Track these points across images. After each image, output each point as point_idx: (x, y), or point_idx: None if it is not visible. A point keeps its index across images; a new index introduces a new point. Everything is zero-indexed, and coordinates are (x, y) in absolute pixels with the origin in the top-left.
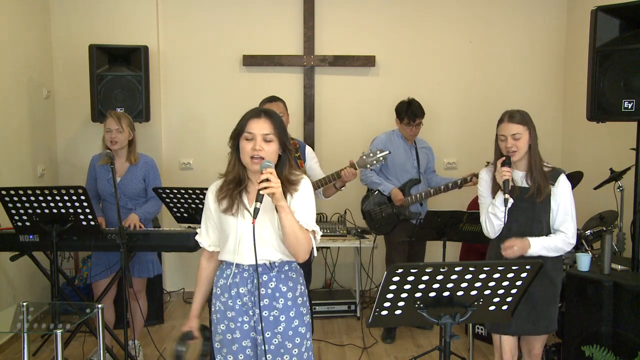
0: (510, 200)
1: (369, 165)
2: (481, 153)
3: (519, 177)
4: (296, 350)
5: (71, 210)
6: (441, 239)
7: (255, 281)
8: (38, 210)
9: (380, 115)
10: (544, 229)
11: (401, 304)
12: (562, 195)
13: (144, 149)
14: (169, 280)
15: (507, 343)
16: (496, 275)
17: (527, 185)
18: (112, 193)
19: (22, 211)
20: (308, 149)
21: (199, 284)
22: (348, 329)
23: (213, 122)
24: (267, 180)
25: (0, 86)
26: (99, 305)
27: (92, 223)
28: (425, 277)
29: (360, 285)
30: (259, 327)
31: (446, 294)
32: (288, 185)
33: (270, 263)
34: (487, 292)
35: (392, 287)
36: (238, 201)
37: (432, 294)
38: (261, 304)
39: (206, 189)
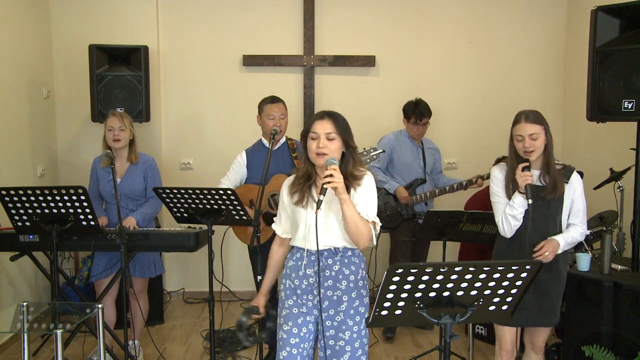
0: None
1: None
2: (481, 153)
3: (535, 175)
4: (356, 327)
5: (71, 210)
6: (441, 239)
7: (321, 264)
8: (38, 210)
9: (381, 115)
10: (558, 226)
11: (401, 304)
12: (575, 192)
13: (144, 149)
14: (169, 280)
15: (509, 334)
16: (496, 275)
17: (541, 184)
18: (113, 194)
19: (22, 211)
20: None
21: (270, 265)
22: None
23: (213, 122)
24: (331, 175)
25: (0, 86)
26: (99, 305)
27: (92, 223)
28: (425, 277)
29: None
30: (324, 305)
31: (446, 294)
32: (352, 180)
33: (334, 249)
34: (487, 292)
35: (392, 287)
36: (307, 194)
37: (432, 294)
38: (326, 285)
39: (206, 189)
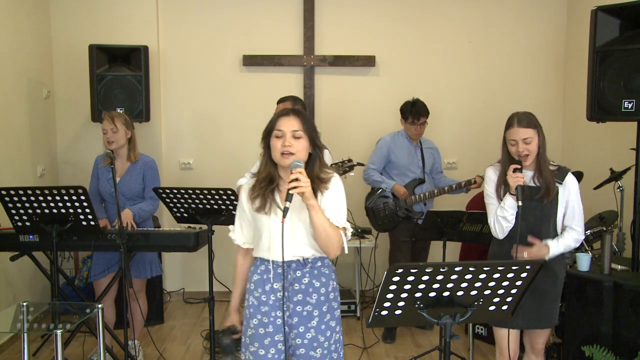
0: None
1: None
2: (481, 153)
3: (528, 177)
4: (327, 343)
5: (71, 210)
6: (441, 239)
7: (289, 277)
8: (38, 210)
9: (380, 115)
10: (551, 228)
11: (401, 304)
12: (570, 193)
13: (144, 149)
14: (169, 280)
15: (510, 338)
16: (496, 275)
17: (535, 185)
18: (111, 193)
19: (22, 211)
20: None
21: (236, 280)
22: (348, 328)
23: (213, 122)
24: (297, 180)
25: (0, 86)
26: (99, 305)
27: (92, 223)
28: (425, 277)
29: (360, 285)
30: (293, 321)
31: (446, 294)
32: (319, 183)
33: (303, 259)
34: (487, 292)
35: (392, 287)
36: (270, 200)
37: (432, 294)
38: (295, 299)
39: (206, 189)
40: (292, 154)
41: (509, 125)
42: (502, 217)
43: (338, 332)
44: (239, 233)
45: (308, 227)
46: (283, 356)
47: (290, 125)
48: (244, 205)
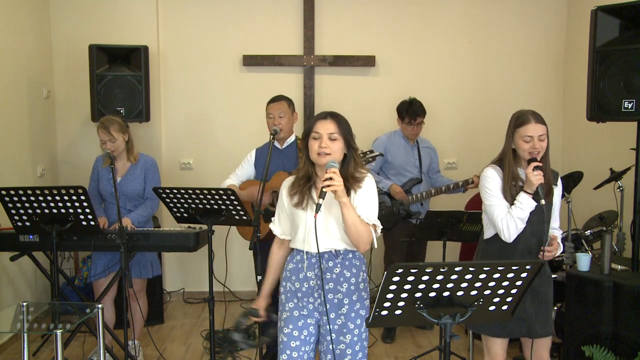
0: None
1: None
2: (481, 153)
3: None
4: (357, 330)
5: (71, 210)
6: (441, 239)
7: (322, 266)
8: (38, 210)
9: (381, 115)
10: (546, 228)
11: (401, 304)
12: (557, 195)
13: (144, 149)
14: (169, 280)
15: (500, 347)
16: (496, 275)
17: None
18: (112, 193)
19: (22, 211)
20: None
21: (270, 268)
22: None
23: (213, 122)
24: (331, 179)
25: (0, 86)
26: (99, 305)
27: (92, 223)
28: (425, 277)
29: None
30: (324, 308)
31: (446, 294)
32: (352, 182)
33: (335, 251)
34: (487, 292)
35: (392, 287)
36: (307, 196)
37: (432, 294)
38: (327, 287)
39: (206, 189)
40: (328, 154)
41: (523, 121)
42: (520, 217)
43: None
44: (277, 224)
45: (340, 222)
46: (314, 339)
47: (326, 127)
48: (284, 200)
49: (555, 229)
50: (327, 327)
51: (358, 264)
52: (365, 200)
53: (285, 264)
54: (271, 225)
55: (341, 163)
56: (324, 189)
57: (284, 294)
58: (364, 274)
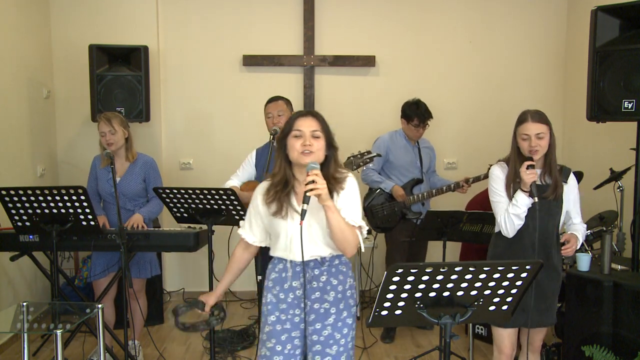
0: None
1: (354, 167)
2: (481, 153)
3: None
4: (343, 340)
5: (71, 210)
6: (441, 239)
7: (307, 275)
8: (38, 210)
9: (381, 115)
10: (556, 226)
11: (401, 304)
12: (573, 191)
13: (144, 149)
14: (169, 280)
15: (507, 338)
16: (496, 275)
17: (543, 183)
18: (111, 193)
19: (22, 211)
20: None
21: (230, 270)
22: None
23: (213, 122)
24: (313, 182)
25: (0, 86)
26: (99, 305)
27: (92, 223)
28: (425, 277)
29: (360, 285)
30: (310, 319)
31: (446, 294)
32: (334, 184)
33: (321, 258)
34: (487, 292)
35: (392, 287)
36: (286, 204)
37: (432, 294)
38: (313, 297)
39: (206, 189)
40: (311, 152)
41: (522, 120)
42: (515, 214)
43: (354, 328)
44: (248, 230)
45: (324, 227)
46: (300, 351)
47: (309, 125)
48: (259, 208)
49: (577, 224)
50: (313, 337)
51: (345, 269)
52: (349, 202)
53: (267, 273)
54: (240, 231)
55: (321, 164)
56: (307, 194)
57: (265, 305)
58: (351, 280)
